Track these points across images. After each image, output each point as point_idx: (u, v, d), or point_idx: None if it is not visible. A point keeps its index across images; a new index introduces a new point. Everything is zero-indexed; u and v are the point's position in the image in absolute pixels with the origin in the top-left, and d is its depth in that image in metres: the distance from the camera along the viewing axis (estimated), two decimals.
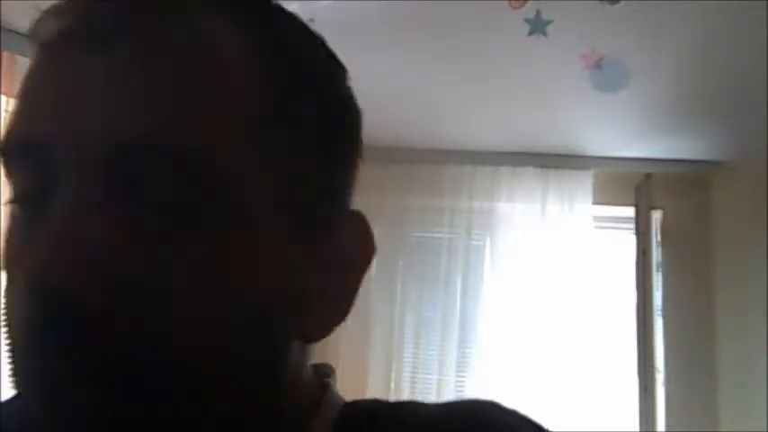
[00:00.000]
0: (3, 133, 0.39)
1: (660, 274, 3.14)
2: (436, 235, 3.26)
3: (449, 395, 3.13)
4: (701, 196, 3.20)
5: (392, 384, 3.13)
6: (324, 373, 0.50)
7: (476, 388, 3.12)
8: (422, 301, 3.26)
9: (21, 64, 2.61)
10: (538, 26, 2.15)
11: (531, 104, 2.76)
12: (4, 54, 2.55)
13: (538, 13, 2.12)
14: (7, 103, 2.60)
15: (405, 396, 3.10)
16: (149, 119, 0.35)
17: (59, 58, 0.38)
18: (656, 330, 3.04)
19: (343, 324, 0.44)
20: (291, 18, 0.43)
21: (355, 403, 0.49)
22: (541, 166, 3.22)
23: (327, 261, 0.42)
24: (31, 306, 0.34)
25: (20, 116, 0.38)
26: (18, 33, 2.57)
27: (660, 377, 3.01)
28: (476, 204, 3.25)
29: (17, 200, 0.38)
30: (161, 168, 0.35)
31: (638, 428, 2.89)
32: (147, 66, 0.36)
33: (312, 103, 0.42)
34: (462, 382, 3.18)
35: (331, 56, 0.45)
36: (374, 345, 3.18)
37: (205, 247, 0.36)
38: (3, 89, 2.57)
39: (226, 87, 0.38)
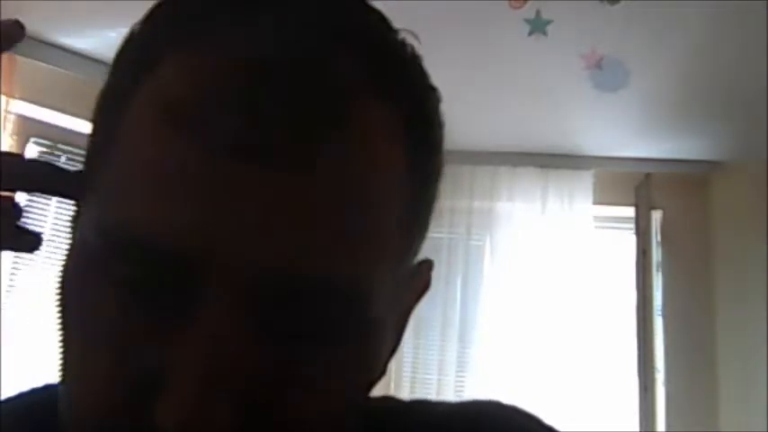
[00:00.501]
0: (118, 216, 0.33)
1: (660, 274, 3.14)
2: (436, 235, 3.26)
3: (449, 395, 3.13)
4: (701, 196, 3.20)
5: (392, 384, 3.13)
6: None
7: (476, 388, 3.12)
8: (422, 301, 3.25)
9: (21, 64, 2.61)
10: (538, 26, 2.15)
11: (531, 104, 2.76)
12: (4, 54, 2.55)
13: (538, 13, 2.12)
14: (7, 103, 2.60)
15: (404, 396, 3.09)
16: (327, 264, 0.33)
17: (212, 156, 0.32)
18: (656, 330, 3.04)
19: None
20: (429, 84, 0.41)
21: (367, 401, 0.49)
22: (541, 166, 3.21)
23: (402, 309, 0.43)
24: None
25: (152, 208, 0.32)
26: None
27: (660, 377, 3.01)
28: (476, 204, 3.25)
29: (120, 287, 0.33)
30: (323, 310, 0.33)
31: (638, 428, 2.89)
32: (326, 198, 0.33)
33: (437, 189, 0.42)
34: (462, 382, 3.18)
35: (443, 128, 0.42)
36: None
37: (346, 365, 0.36)
38: (3, 89, 2.57)
39: (392, 221, 0.36)
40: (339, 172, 0.33)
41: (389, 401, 0.50)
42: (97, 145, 0.38)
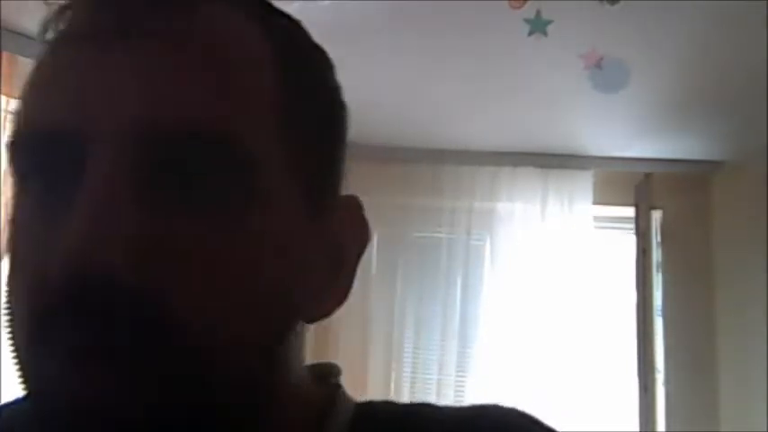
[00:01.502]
0: (15, 126, 0.39)
1: (660, 274, 3.15)
2: (436, 235, 3.26)
3: (449, 395, 3.13)
4: (701, 196, 3.20)
5: (392, 384, 3.13)
6: (332, 373, 0.50)
7: (476, 388, 3.12)
8: (422, 301, 3.26)
9: (21, 64, 2.61)
10: (538, 26, 2.15)
11: (531, 104, 2.76)
12: (4, 54, 2.55)
13: (538, 13, 2.12)
14: (7, 102, 2.60)
15: (405, 396, 3.09)
16: (187, 105, 0.36)
17: (80, 51, 0.38)
18: (656, 330, 3.04)
19: (341, 310, 0.45)
20: (284, 13, 0.45)
21: (369, 404, 0.49)
22: (541, 166, 3.22)
23: (328, 241, 0.44)
24: (67, 284, 0.33)
25: (36, 106, 0.38)
26: (18, 33, 2.57)
27: (660, 377, 3.01)
28: (476, 204, 3.25)
29: (31, 191, 0.38)
30: (196, 152, 0.36)
31: (638, 428, 2.89)
32: (181, 55, 0.37)
33: (314, 88, 0.44)
34: (462, 382, 3.18)
35: (322, 50, 0.46)
36: (374, 344, 3.17)
37: (235, 226, 0.37)
38: (3, 89, 2.57)
39: (247, 74, 0.39)
40: (188, 34, 0.38)
41: (393, 406, 0.50)
42: None
